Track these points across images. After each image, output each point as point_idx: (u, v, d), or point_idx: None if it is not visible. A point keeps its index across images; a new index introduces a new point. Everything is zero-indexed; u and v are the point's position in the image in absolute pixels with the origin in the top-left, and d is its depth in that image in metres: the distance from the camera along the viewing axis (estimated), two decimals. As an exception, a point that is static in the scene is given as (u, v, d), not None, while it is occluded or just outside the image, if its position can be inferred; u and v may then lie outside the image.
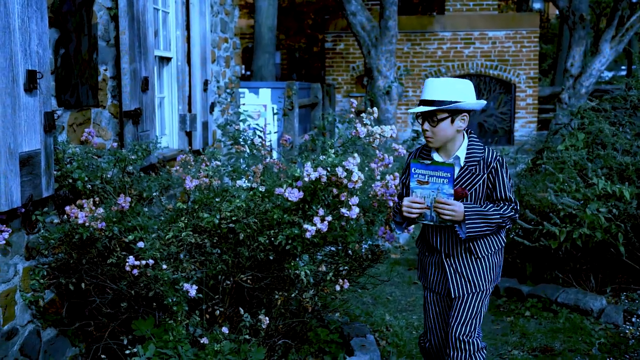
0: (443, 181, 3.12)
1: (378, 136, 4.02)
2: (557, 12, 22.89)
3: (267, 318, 3.92)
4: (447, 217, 3.11)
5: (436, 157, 3.28)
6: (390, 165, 4.16)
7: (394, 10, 11.35)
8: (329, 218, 3.47)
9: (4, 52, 3.16)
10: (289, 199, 3.50)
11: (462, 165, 3.20)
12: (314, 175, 3.47)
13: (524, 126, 15.94)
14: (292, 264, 3.63)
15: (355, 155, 3.55)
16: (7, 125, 3.20)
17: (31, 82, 3.37)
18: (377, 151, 4.07)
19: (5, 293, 3.44)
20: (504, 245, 3.33)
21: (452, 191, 3.12)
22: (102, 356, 3.80)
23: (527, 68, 15.81)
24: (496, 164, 3.16)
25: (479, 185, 3.19)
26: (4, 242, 3.33)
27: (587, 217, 4.92)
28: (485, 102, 3.31)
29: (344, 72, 16.32)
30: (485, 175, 3.17)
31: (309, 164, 3.51)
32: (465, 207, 3.08)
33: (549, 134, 7.67)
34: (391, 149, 4.29)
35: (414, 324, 5.26)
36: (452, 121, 3.13)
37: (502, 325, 5.26)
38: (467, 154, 3.20)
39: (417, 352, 4.64)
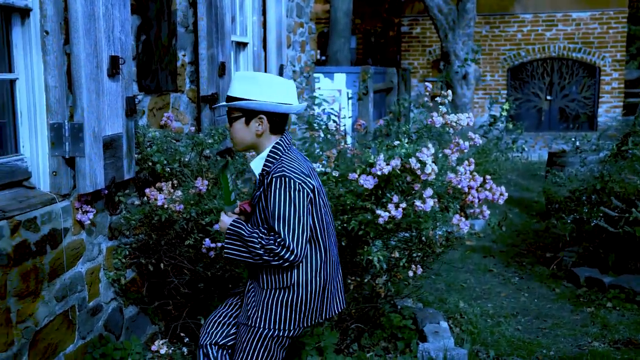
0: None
1: (454, 124, 3.95)
2: (647, -9, 21.76)
3: (339, 302, 3.94)
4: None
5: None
6: (466, 151, 4.08)
7: (472, -8, 11.09)
8: (404, 205, 3.44)
9: (89, 39, 3.28)
10: (364, 186, 3.49)
11: (258, 178, 2.73)
12: (387, 170, 3.44)
13: (608, 111, 15.29)
14: (365, 249, 3.63)
15: (430, 145, 3.49)
16: (92, 110, 3.32)
17: (114, 67, 3.47)
18: (453, 137, 4.00)
19: (90, 271, 3.59)
20: (294, 283, 2.66)
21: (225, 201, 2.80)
22: (181, 334, 3.92)
23: (614, 50, 15.13)
24: (271, 182, 2.57)
25: (257, 203, 2.69)
26: (89, 222, 3.47)
27: None
28: (300, 107, 2.73)
29: (420, 56, 16.08)
30: (261, 193, 2.65)
31: (382, 155, 3.48)
32: (231, 224, 2.65)
33: (636, 119, 7.33)
34: (467, 135, 4.21)
35: (490, 312, 5.17)
36: (247, 122, 2.67)
37: (581, 316, 5.10)
38: (264, 165, 2.69)
39: (493, 340, 4.56)
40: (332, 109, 5.09)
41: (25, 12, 3.14)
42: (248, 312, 2.73)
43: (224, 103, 2.77)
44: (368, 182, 3.49)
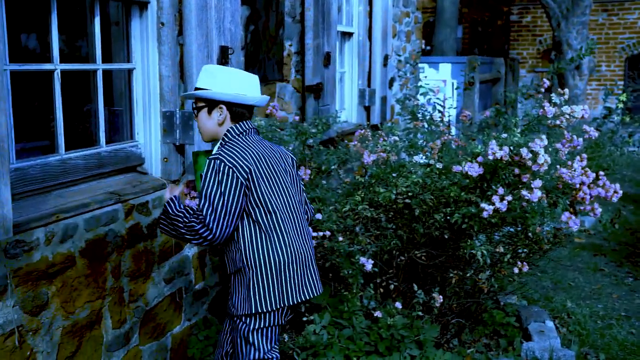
0: None
1: (567, 116, 3.79)
2: None
3: (440, 296, 3.88)
4: None
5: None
6: (578, 147, 3.91)
7: (588, -22, 10.58)
8: (509, 198, 3.33)
9: (201, 30, 3.38)
10: (469, 173, 3.41)
11: None
12: (499, 154, 3.34)
13: None
14: (468, 243, 3.55)
15: (543, 136, 3.37)
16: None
17: (223, 57, 3.56)
18: (565, 131, 3.83)
19: (197, 255, 3.71)
20: (244, 265, 2.69)
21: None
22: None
23: None
24: (207, 164, 2.67)
25: None
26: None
27: None
28: (259, 99, 2.81)
29: (530, 46, 15.52)
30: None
31: (494, 141, 3.40)
32: (166, 201, 2.74)
33: None
34: (579, 128, 4.02)
35: (600, 313, 4.93)
36: (210, 112, 2.77)
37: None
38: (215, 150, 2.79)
39: (603, 343, 4.36)
40: (437, 99, 5.00)
41: (143, 5, 3.27)
42: (229, 299, 2.83)
43: (188, 93, 2.93)
44: (473, 170, 3.41)
